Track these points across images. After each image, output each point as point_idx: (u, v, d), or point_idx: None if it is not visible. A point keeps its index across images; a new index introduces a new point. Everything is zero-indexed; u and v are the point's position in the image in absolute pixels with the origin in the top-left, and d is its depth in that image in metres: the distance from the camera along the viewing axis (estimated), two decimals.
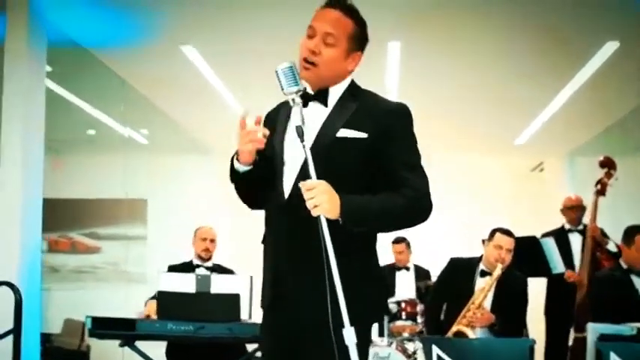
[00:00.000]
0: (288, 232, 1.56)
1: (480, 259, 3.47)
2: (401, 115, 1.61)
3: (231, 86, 5.24)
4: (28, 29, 3.47)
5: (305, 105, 1.58)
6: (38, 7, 3.62)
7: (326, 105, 1.62)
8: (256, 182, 1.62)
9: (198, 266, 3.93)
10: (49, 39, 4.01)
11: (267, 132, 1.56)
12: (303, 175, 1.49)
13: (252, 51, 4.21)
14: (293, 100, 1.53)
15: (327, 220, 1.42)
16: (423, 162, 1.60)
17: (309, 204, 1.41)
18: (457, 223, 7.19)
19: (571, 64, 4.82)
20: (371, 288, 1.58)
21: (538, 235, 4.35)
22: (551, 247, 4.17)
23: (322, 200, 1.41)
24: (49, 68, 4.78)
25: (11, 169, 3.39)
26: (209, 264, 3.97)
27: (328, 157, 1.52)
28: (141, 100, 5.60)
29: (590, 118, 6.14)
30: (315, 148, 1.50)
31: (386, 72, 4.88)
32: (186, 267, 3.92)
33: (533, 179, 8.06)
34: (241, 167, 1.58)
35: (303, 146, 1.47)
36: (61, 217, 7.27)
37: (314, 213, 1.41)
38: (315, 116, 1.59)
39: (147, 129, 6.92)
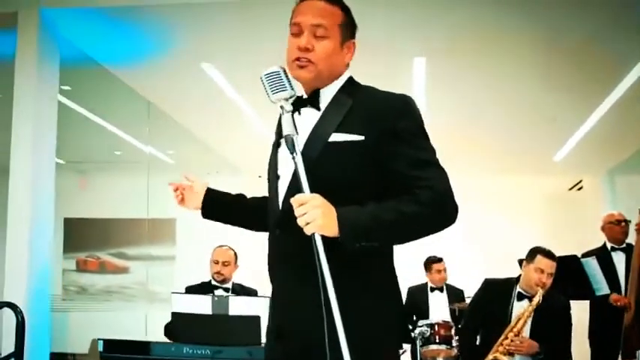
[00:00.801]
0: (286, 254, 1.42)
1: (517, 280, 3.23)
2: (402, 107, 1.41)
3: (254, 104, 5.15)
4: (39, 46, 3.40)
5: (298, 111, 1.45)
6: (51, 23, 3.57)
7: (318, 109, 1.45)
8: (232, 216, 1.66)
9: (216, 287, 3.79)
10: (68, 57, 3.97)
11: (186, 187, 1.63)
12: (295, 189, 1.33)
13: None
14: (282, 107, 1.38)
15: (327, 237, 1.26)
16: (456, 183, 1.39)
17: (300, 221, 1.25)
18: (492, 243, 6.94)
19: (609, 79, 4.60)
20: (384, 309, 1.40)
21: (578, 255, 4.07)
22: (593, 267, 3.88)
23: (315, 215, 1.25)
24: (68, 87, 4.79)
25: (21, 187, 3.32)
26: (228, 285, 3.82)
27: (320, 166, 1.36)
28: (166, 120, 5.56)
29: (629, 135, 5.87)
30: (305, 158, 1.33)
31: (412, 88, 4.70)
32: (205, 287, 3.79)
33: (570, 198, 7.75)
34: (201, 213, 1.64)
35: (293, 157, 1.31)
36: (90, 237, 7.31)
37: (307, 231, 1.25)
38: (307, 123, 1.43)
39: (173, 149, 6.90)
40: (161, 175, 6.72)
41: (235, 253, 3.87)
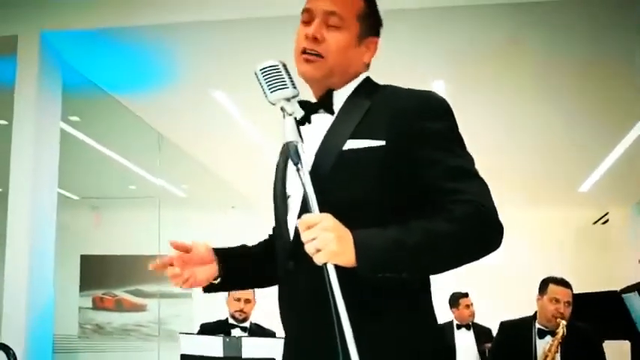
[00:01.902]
0: (296, 287, 1.17)
1: (534, 317, 2.98)
2: (433, 106, 1.17)
3: (269, 133, 4.95)
4: (40, 71, 3.25)
5: (307, 119, 1.22)
6: (52, 47, 3.43)
7: (332, 113, 1.22)
8: (251, 276, 1.37)
9: (233, 326, 3.55)
10: (74, 86, 3.85)
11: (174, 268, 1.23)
12: (305, 209, 1.10)
13: None
14: (282, 108, 1.13)
15: (342, 268, 1.01)
16: None
17: (308, 248, 1.01)
18: (513, 279, 6.58)
19: (637, 107, 4.31)
20: (421, 356, 1.13)
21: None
22: (636, 303, 3.53)
23: (326, 241, 1.00)
24: (77, 118, 4.66)
25: (19, 219, 3.11)
26: (246, 324, 3.57)
27: (334, 180, 1.12)
28: (177, 151, 5.41)
29: None
30: (315, 171, 1.10)
31: None
32: (221, 326, 3.55)
33: (596, 232, 7.37)
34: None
35: (297, 170, 1.06)
36: (106, 275, 7.17)
37: (317, 260, 1.00)
38: (320, 131, 1.20)
39: (186, 183, 6.76)
40: (175, 210, 6.57)
41: (253, 290, 3.63)
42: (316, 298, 1.06)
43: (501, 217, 1.12)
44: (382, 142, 1.12)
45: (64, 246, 7.32)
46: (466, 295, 4.83)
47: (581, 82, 3.97)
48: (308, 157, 1.13)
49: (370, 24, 1.25)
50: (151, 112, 4.55)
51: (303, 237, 1.01)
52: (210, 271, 1.26)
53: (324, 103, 1.23)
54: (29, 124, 3.16)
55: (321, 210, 1.03)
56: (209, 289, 1.30)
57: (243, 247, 1.40)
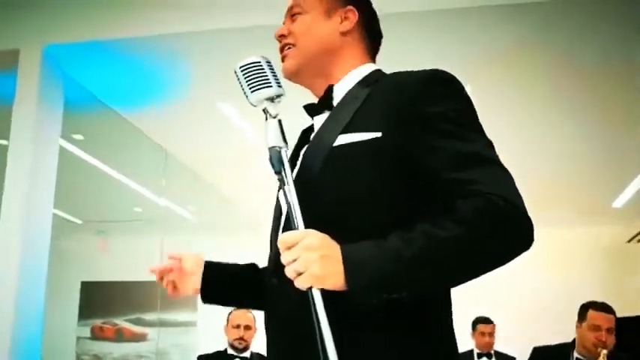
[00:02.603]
0: (285, 313, 1.00)
1: (572, 345, 2.72)
2: (434, 84, 0.99)
3: None
4: (40, 85, 3.09)
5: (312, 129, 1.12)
6: (55, 61, 3.27)
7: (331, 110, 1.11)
8: (243, 294, 1.30)
9: (232, 357, 3.38)
10: (78, 103, 3.70)
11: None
12: (289, 225, 0.95)
13: (296, 108, 3.68)
14: (265, 110, 1.02)
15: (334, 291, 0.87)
16: None
17: (288, 272, 0.87)
18: (542, 302, 6.25)
19: None
20: None
21: None
22: None
23: (308, 263, 0.86)
24: (80, 137, 4.48)
25: (10, 247, 2.87)
26: (246, 354, 3.39)
27: (323, 182, 0.99)
28: (184, 171, 5.21)
29: None
30: (302, 174, 1.01)
31: None
32: (221, 357, 3.39)
33: (630, 251, 7.02)
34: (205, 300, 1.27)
35: (279, 179, 0.94)
36: (107, 302, 6.92)
37: (299, 284, 0.87)
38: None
39: (192, 204, 6.55)
40: (181, 233, 6.34)
41: (254, 316, 3.42)
42: (300, 324, 0.91)
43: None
44: (377, 134, 0.97)
45: (65, 272, 7.12)
46: (486, 320, 4.50)
47: (616, 89, 3.74)
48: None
49: None
50: (156, 128, 4.37)
51: (283, 258, 0.88)
52: (195, 281, 1.25)
53: (324, 101, 1.11)
54: (26, 142, 2.97)
55: (310, 216, 0.91)
56: (208, 300, 1.27)
57: (249, 264, 1.33)
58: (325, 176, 0.98)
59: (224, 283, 1.27)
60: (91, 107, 3.92)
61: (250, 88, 1.02)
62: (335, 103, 1.09)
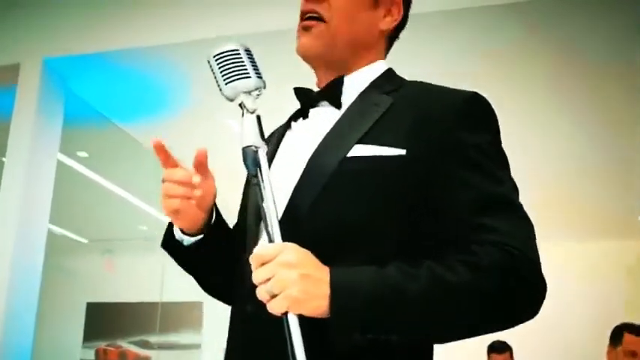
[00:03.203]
0: (252, 346, 0.86)
1: None
2: (473, 111, 0.88)
3: None
4: (39, 101, 3.02)
5: (305, 114, 0.97)
6: (55, 76, 3.21)
7: (339, 106, 0.94)
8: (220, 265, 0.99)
9: None
10: (80, 119, 3.62)
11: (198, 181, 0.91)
12: (291, 238, 0.79)
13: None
14: (242, 105, 0.87)
15: (311, 321, 0.73)
16: None
17: (260, 293, 0.74)
18: (564, 323, 6.00)
19: None
20: None
21: None
22: None
23: (285, 282, 0.73)
24: (85, 154, 4.41)
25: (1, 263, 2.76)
26: None
27: (327, 197, 0.84)
28: None
29: None
30: (303, 183, 0.87)
31: None
32: None
33: None
34: (184, 238, 0.97)
35: (254, 184, 0.80)
36: (112, 324, 6.80)
37: (271, 309, 0.73)
38: (318, 128, 0.92)
39: None
40: None
41: None
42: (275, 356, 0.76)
43: (547, 254, 0.83)
44: (402, 151, 0.85)
45: (71, 293, 7.02)
46: (500, 349, 4.22)
47: None
48: (285, 168, 0.89)
49: None
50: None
51: (255, 276, 0.74)
52: (199, 215, 0.94)
53: (330, 92, 0.94)
54: (22, 156, 2.88)
55: (303, 239, 0.77)
56: (168, 246, 1.01)
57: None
58: (332, 192, 0.84)
59: (224, 238, 1.00)
60: (94, 124, 3.85)
61: (225, 79, 0.87)
62: (345, 100, 0.94)
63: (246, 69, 0.87)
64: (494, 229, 0.79)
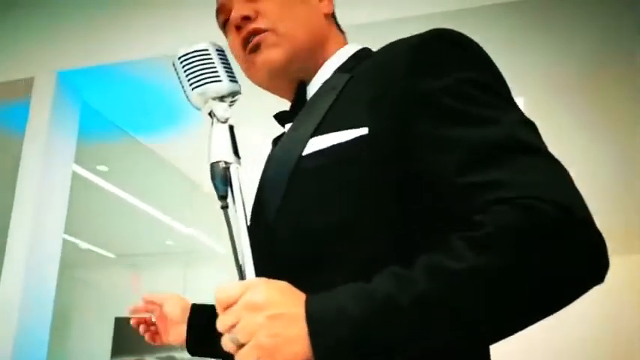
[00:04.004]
0: None
1: None
2: (435, 48, 0.68)
3: None
4: (52, 115, 2.91)
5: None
6: (71, 89, 3.12)
7: None
8: None
9: None
10: (99, 132, 3.55)
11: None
12: (261, 269, 0.68)
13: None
14: (212, 113, 0.76)
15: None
16: None
17: (225, 343, 0.60)
18: (593, 345, 5.70)
19: None
20: None
21: None
22: None
23: (252, 327, 0.58)
24: (105, 168, 4.33)
25: (12, 284, 2.66)
26: None
27: (289, 205, 0.71)
28: (214, 202, 5.00)
29: None
30: (260, 198, 0.77)
31: None
32: None
33: None
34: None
35: (222, 207, 0.69)
36: (138, 339, 6.69)
37: None
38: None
39: (225, 236, 6.35)
40: (213, 266, 6.12)
41: None
42: None
43: None
44: (362, 130, 0.69)
45: (99, 308, 7.00)
46: None
47: None
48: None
49: None
50: (182, 157, 4.16)
51: (219, 324, 0.61)
52: (181, 331, 1.04)
53: (298, 103, 0.84)
54: (35, 170, 2.80)
55: (274, 262, 0.68)
56: (195, 352, 1.05)
57: None
58: (292, 201, 0.71)
59: (214, 333, 0.97)
60: (112, 137, 3.76)
61: (191, 84, 0.76)
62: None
63: (216, 71, 0.76)
64: (497, 183, 0.59)
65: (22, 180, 2.81)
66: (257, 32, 0.82)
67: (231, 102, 0.76)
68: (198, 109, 0.77)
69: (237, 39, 0.85)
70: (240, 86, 0.78)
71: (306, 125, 0.74)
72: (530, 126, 0.65)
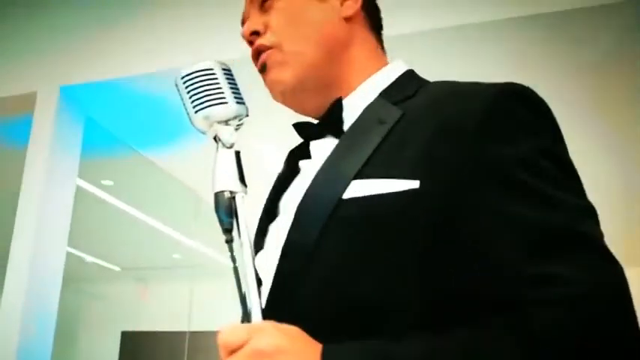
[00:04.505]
0: None
1: None
2: (506, 112, 0.63)
3: None
4: (55, 130, 2.89)
5: (306, 153, 0.76)
6: (74, 105, 3.10)
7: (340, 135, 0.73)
8: None
9: None
10: (104, 147, 3.53)
11: None
12: (274, 310, 0.64)
13: None
14: (217, 138, 0.70)
15: None
16: None
17: None
18: None
19: None
20: None
21: None
22: None
23: None
24: (110, 182, 4.31)
25: (15, 298, 2.63)
26: None
27: (320, 257, 0.63)
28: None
29: None
30: (291, 242, 0.65)
31: None
32: None
33: None
34: None
35: (227, 241, 0.63)
36: (147, 354, 6.69)
37: None
38: (317, 167, 0.71)
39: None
40: (219, 279, 6.06)
41: None
42: None
43: None
44: (414, 184, 0.62)
45: (106, 321, 6.96)
46: None
47: None
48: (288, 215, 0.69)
49: None
50: (184, 167, 4.13)
51: None
52: None
53: (330, 121, 0.75)
54: (38, 185, 2.77)
55: (292, 312, 0.61)
56: None
57: None
58: (327, 250, 0.63)
59: None
60: (117, 151, 3.74)
61: (194, 106, 0.70)
62: (346, 126, 0.73)
63: (222, 92, 0.69)
64: (553, 277, 0.55)
65: (25, 195, 2.79)
66: (262, 49, 0.77)
67: (238, 125, 0.71)
68: (203, 132, 0.71)
69: (245, 38, 0.80)
70: (247, 108, 0.72)
71: (348, 162, 0.67)
72: (591, 213, 0.61)
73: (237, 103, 0.70)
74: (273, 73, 0.77)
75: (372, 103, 0.73)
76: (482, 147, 0.61)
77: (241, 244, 0.62)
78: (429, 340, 0.56)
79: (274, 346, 0.54)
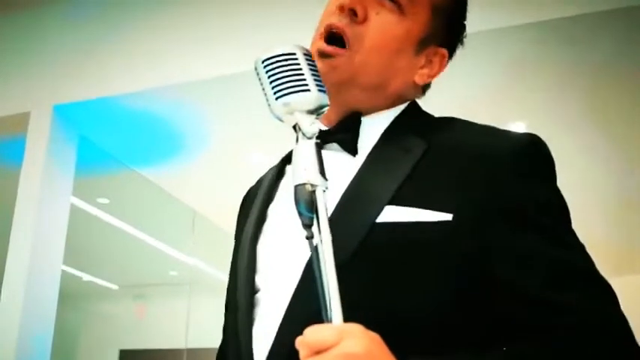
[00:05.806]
0: None
1: None
2: (533, 156, 0.71)
3: None
4: (49, 149, 2.90)
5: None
6: (68, 124, 3.10)
7: (355, 153, 0.75)
8: None
9: None
10: (98, 165, 3.52)
11: None
12: (296, 315, 0.65)
13: None
14: (297, 127, 0.67)
15: None
16: None
17: None
18: None
19: None
20: None
21: None
22: None
23: None
24: (105, 200, 4.30)
25: (10, 316, 2.61)
26: None
27: (353, 279, 0.62)
28: (216, 232, 4.94)
29: None
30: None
31: None
32: None
33: None
34: None
35: (307, 237, 0.59)
36: None
37: None
38: (333, 181, 0.67)
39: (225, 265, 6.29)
40: (217, 296, 6.04)
41: None
42: None
43: None
44: (447, 216, 0.66)
45: (104, 339, 6.90)
46: None
47: None
48: (289, 235, 0.70)
49: (448, 25, 0.79)
50: (179, 184, 4.12)
51: None
52: None
53: (343, 133, 0.75)
54: (32, 205, 2.77)
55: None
56: None
57: None
58: (359, 273, 0.64)
59: None
60: (111, 169, 3.74)
61: (275, 93, 0.66)
62: (362, 144, 0.74)
63: (304, 79, 0.66)
64: (568, 308, 0.63)
65: (19, 214, 2.78)
66: (337, 37, 0.75)
67: (318, 115, 0.67)
68: (281, 120, 0.67)
69: (332, 6, 0.77)
70: (327, 98, 0.69)
71: (381, 187, 0.68)
72: (587, 252, 0.70)
73: (319, 91, 0.67)
74: (326, 69, 0.74)
75: (389, 128, 0.76)
76: (511, 189, 0.68)
77: (321, 241, 0.58)
78: (470, 355, 0.63)
79: (367, 351, 0.52)
